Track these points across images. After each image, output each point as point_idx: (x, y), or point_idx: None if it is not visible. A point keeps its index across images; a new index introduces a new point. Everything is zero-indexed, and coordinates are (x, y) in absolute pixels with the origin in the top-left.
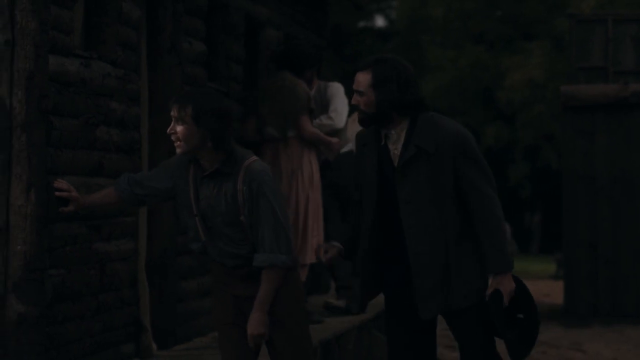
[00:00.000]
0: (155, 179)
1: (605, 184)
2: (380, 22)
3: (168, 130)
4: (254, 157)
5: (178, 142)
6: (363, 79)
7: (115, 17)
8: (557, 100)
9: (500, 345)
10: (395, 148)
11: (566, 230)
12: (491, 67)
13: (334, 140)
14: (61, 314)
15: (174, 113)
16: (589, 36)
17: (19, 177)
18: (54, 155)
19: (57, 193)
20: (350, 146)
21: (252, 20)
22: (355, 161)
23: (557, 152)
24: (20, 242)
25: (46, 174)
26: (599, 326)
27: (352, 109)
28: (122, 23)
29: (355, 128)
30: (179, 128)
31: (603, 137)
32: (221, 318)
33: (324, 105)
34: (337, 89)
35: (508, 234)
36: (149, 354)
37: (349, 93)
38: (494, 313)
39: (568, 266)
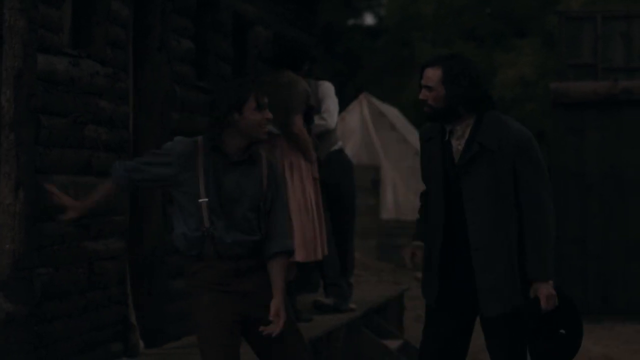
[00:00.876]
0: (156, 165)
1: (596, 180)
2: (369, 19)
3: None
4: None
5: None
6: (433, 74)
7: (103, 15)
8: (547, 98)
9: None
10: (459, 144)
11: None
12: (483, 65)
13: (314, 154)
14: (50, 312)
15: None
16: (578, 33)
17: (8, 175)
18: (42, 154)
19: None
20: (339, 145)
21: (240, 19)
22: (420, 156)
23: (547, 149)
24: (9, 241)
25: (35, 172)
26: (589, 322)
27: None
28: (111, 22)
29: (343, 127)
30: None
31: (593, 134)
32: (212, 320)
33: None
34: (328, 89)
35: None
36: (137, 352)
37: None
38: (527, 319)
39: (558, 263)
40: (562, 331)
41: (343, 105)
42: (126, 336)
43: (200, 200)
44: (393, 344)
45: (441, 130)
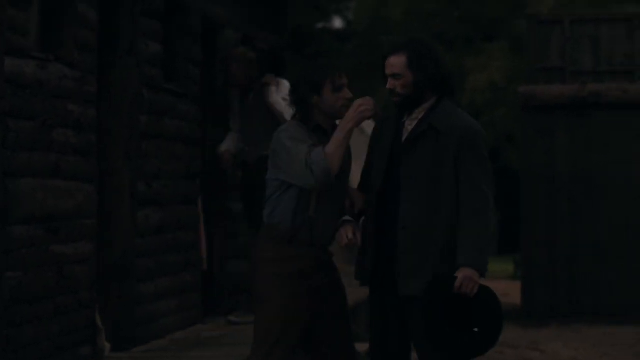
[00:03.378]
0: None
1: (565, 183)
2: (338, 23)
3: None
4: None
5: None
6: (397, 61)
7: (72, 19)
8: (517, 102)
9: None
10: (410, 125)
11: (525, 230)
12: (453, 69)
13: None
14: (18, 316)
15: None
16: (547, 37)
17: None
18: (10, 157)
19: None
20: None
21: (209, 22)
22: (371, 136)
23: (517, 152)
24: None
25: (2, 176)
26: (557, 326)
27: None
28: (79, 25)
29: None
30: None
31: (562, 137)
32: (292, 313)
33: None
34: (287, 88)
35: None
36: (102, 356)
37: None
38: (429, 299)
39: (526, 266)
40: (475, 329)
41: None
42: (95, 340)
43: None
44: (362, 348)
45: (399, 113)
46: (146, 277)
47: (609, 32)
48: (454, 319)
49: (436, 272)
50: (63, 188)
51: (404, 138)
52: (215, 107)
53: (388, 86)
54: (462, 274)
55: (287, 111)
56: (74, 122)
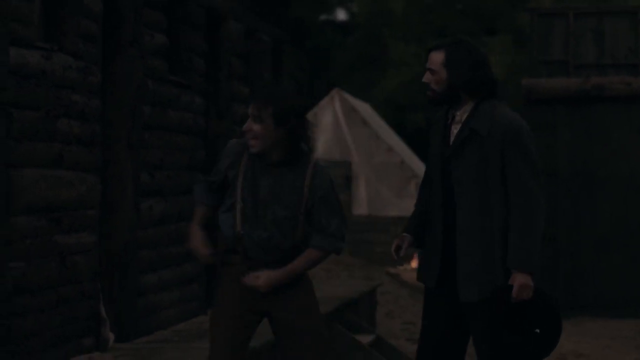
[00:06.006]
0: (219, 169)
1: (566, 177)
2: (341, 15)
3: (244, 128)
4: (315, 156)
5: (254, 141)
6: (436, 57)
7: (75, 9)
8: (518, 95)
9: None
10: (456, 129)
11: None
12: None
13: None
14: (21, 306)
15: (252, 111)
16: (550, 30)
17: None
18: (13, 147)
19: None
20: None
21: (213, 13)
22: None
23: None
24: None
25: (6, 166)
26: None
27: None
28: (83, 15)
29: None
30: (257, 127)
31: (565, 130)
32: (225, 310)
33: None
34: None
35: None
36: (106, 346)
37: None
38: (497, 305)
39: None
40: (537, 330)
41: (314, 100)
42: (98, 330)
43: (236, 202)
44: (365, 339)
45: (445, 116)
46: (149, 268)
47: (612, 25)
48: (515, 325)
49: (495, 283)
50: (66, 178)
51: (451, 142)
52: (219, 98)
53: (424, 79)
54: (516, 282)
55: None
56: (78, 112)
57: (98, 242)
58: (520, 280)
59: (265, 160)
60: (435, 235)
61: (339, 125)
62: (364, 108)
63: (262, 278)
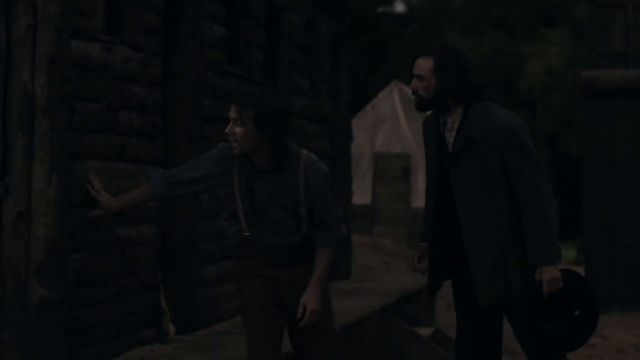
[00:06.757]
0: (193, 170)
1: (626, 169)
2: (400, 7)
3: (226, 131)
4: (306, 151)
5: (236, 144)
6: (424, 64)
7: (136, 2)
8: (576, 87)
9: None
10: (450, 136)
11: (586, 216)
12: (512, 55)
13: None
14: (83, 298)
15: (233, 114)
16: (610, 22)
17: (41, 161)
18: (75, 140)
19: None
20: None
21: (273, 5)
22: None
23: (576, 138)
24: (42, 227)
25: (68, 158)
26: (619, 312)
27: None
28: (144, 8)
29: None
30: (238, 129)
31: (623, 122)
32: (252, 303)
33: None
34: None
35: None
36: (167, 338)
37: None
38: (533, 305)
39: (588, 252)
40: (576, 312)
41: (372, 92)
42: (158, 322)
43: (237, 209)
44: (425, 331)
45: (436, 123)
46: (209, 260)
47: None
48: (554, 315)
49: (511, 285)
50: (127, 170)
51: (447, 149)
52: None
53: (411, 86)
54: (545, 277)
55: None
56: (139, 104)
57: (158, 234)
58: (548, 275)
59: (255, 167)
60: (439, 243)
61: (398, 117)
62: None
63: (309, 307)
